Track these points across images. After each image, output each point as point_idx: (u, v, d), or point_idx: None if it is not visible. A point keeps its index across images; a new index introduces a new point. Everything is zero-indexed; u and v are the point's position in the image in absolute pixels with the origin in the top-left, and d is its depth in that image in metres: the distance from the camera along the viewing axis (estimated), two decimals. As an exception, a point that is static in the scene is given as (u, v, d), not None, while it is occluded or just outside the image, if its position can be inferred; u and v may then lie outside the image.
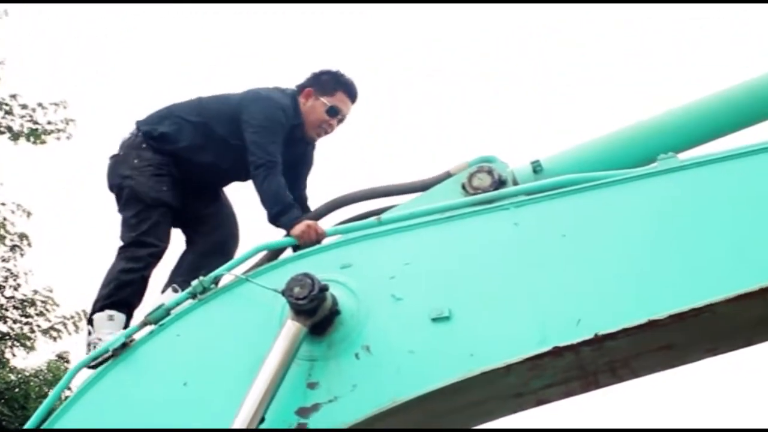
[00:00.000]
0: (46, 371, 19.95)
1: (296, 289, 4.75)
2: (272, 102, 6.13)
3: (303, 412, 4.81)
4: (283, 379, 4.66)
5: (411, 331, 4.87)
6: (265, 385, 4.62)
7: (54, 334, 20.19)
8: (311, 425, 4.78)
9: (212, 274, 5.23)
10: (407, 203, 5.48)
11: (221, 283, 5.30)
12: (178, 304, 5.25)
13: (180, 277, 6.05)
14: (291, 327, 4.77)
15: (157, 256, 5.98)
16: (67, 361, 20.01)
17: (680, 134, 5.58)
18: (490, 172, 5.35)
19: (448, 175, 5.49)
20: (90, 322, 5.80)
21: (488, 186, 5.31)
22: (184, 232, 6.40)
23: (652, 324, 4.59)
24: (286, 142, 6.07)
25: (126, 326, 5.61)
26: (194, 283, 5.21)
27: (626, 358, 4.92)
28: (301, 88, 6.31)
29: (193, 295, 5.20)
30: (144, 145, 6.16)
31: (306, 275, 4.78)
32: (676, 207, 4.91)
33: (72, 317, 20.14)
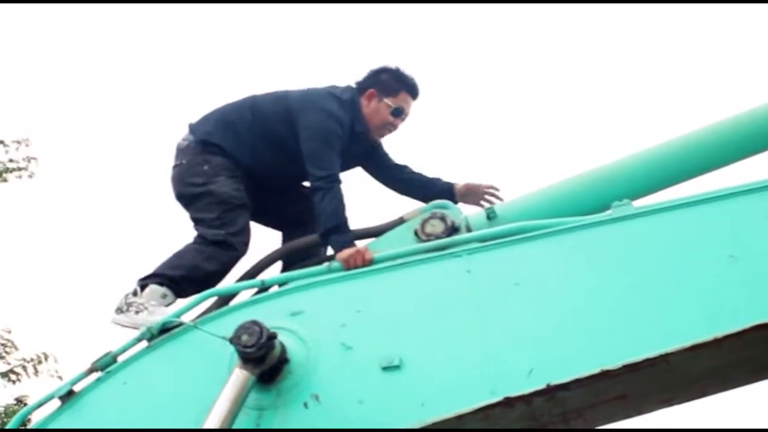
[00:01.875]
0: (3, 415, 19.75)
1: (244, 337, 4.70)
2: (330, 114, 5.98)
3: (251, 462, 4.75)
4: (230, 428, 4.61)
5: (361, 380, 4.85)
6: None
7: (13, 377, 19.99)
8: (261, 482, 4.80)
9: (160, 320, 5.19)
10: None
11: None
12: (125, 350, 5.17)
13: None
14: (239, 375, 4.72)
15: (235, 263, 5.83)
16: (26, 404, 19.79)
17: (635, 181, 5.59)
18: (443, 218, 5.33)
19: (401, 221, 5.48)
20: (143, 286, 5.60)
21: (441, 232, 5.29)
22: (283, 234, 6.33)
23: (605, 374, 4.57)
24: (350, 145, 6.04)
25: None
26: (142, 329, 5.17)
27: (579, 408, 4.90)
28: (361, 88, 6.20)
29: (140, 341, 5.16)
30: (206, 151, 6.02)
31: (254, 323, 4.74)
32: (630, 255, 4.91)
33: (32, 360, 19.93)
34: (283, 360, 4.88)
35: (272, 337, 4.75)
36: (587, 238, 5.01)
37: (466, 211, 5.63)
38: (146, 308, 5.46)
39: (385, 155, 6.49)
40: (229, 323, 4.91)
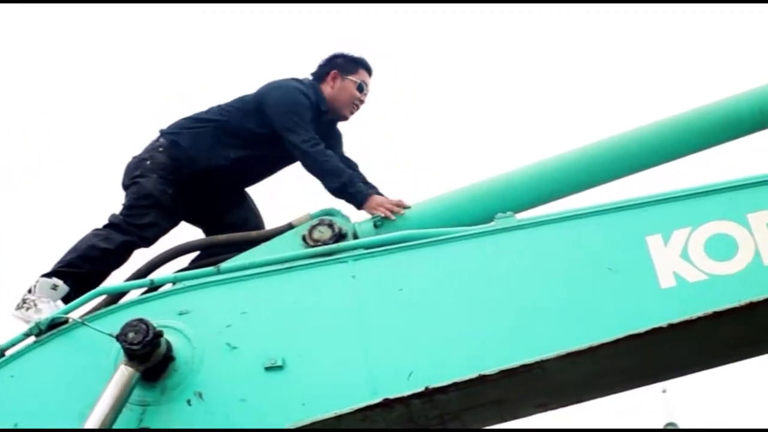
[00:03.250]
0: None
1: (130, 335, 4.74)
2: (292, 88, 6.33)
3: (132, 456, 4.74)
4: (113, 423, 4.64)
5: (244, 380, 4.91)
6: (94, 429, 4.59)
7: None
8: (141, 477, 4.84)
9: (49, 316, 5.21)
10: (247, 253, 5.51)
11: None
12: (13, 344, 5.18)
13: None
14: (123, 372, 4.76)
15: (130, 248, 5.95)
16: None
17: (520, 194, 5.76)
18: (330, 225, 5.43)
19: (289, 227, 5.55)
20: (36, 282, 5.67)
21: (328, 239, 5.39)
22: None
23: (482, 379, 4.69)
24: (317, 129, 6.24)
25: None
26: (30, 325, 5.19)
27: (457, 411, 4.99)
28: (321, 74, 6.56)
29: (28, 336, 5.16)
30: (161, 149, 6.24)
31: (141, 320, 4.79)
32: (511, 265, 5.05)
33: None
34: (168, 358, 4.91)
35: (158, 335, 4.79)
36: (470, 248, 5.12)
37: (354, 219, 5.75)
38: (35, 305, 5.49)
39: (340, 145, 6.70)
40: (116, 321, 4.93)
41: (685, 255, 4.87)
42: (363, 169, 6.48)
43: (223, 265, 5.35)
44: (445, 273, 5.09)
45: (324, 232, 5.43)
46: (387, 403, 4.72)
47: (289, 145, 6.09)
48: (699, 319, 4.68)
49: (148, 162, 6.18)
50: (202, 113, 6.42)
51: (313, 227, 5.47)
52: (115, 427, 4.67)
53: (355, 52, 6.66)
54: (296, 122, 6.13)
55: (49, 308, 5.40)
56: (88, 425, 4.59)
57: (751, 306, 4.70)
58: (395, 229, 5.54)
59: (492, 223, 5.22)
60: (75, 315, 5.22)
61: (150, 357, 4.83)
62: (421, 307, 4.98)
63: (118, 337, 4.76)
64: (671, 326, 4.69)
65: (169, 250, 5.73)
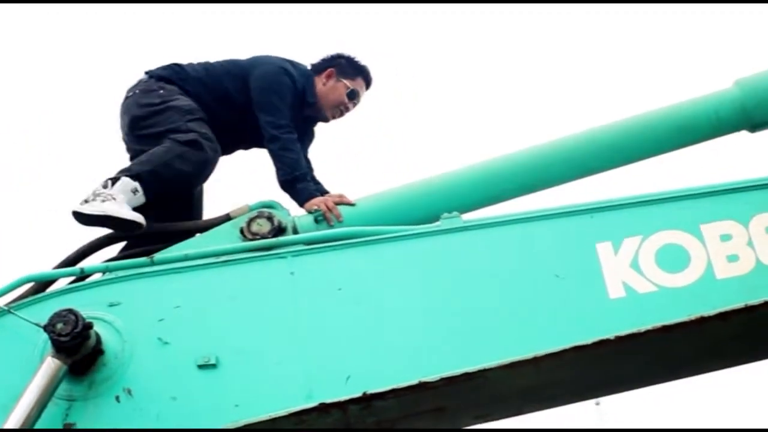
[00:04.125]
0: None
1: (59, 325, 4.63)
2: (283, 69, 6.15)
3: (56, 455, 4.68)
4: (38, 418, 4.54)
5: (175, 377, 4.82)
6: (18, 424, 4.49)
7: None
8: (65, 475, 4.73)
9: None
10: (183, 244, 5.41)
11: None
12: None
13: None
14: (50, 364, 4.65)
15: (205, 169, 5.79)
16: None
17: (467, 194, 5.66)
18: (270, 218, 5.33)
19: (227, 218, 5.45)
20: (114, 180, 5.44)
21: (267, 232, 5.28)
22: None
23: (423, 386, 4.63)
24: (294, 118, 6.09)
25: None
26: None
27: (395, 418, 4.95)
28: (319, 68, 6.36)
29: None
30: (162, 82, 6.06)
31: (70, 311, 4.67)
32: (456, 268, 4.97)
33: None
34: (97, 351, 4.81)
35: (88, 326, 4.69)
36: (413, 248, 5.05)
37: (295, 213, 5.68)
38: (114, 198, 5.29)
39: (309, 145, 6.54)
40: (44, 310, 4.83)
41: (635, 265, 4.83)
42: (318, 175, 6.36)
43: (157, 255, 5.24)
44: (386, 273, 5.02)
45: (263, 225, 5.33)
46: (323, 408, 4.66)
47: (261, 122, 5.96)
48: (647, 332, 4.63)
49: (161, 91, 6.01)
50: (191, 66, 6.27)
51: (252, 220, 5.36)
52: (40, 422, 4.58)
53: (361, 59, 6.47)
54: (274, 103, 6.02)
55: (128, 207, 5.29)
56: (11, 419, 4.51)
57: (702, 320, 4.65)
58: (337, 225, 5.49)
59: (437, 223, 5.15)
60: (0, 302, 5.08)
61: (78, 349, 4.71)
62: (361, 308, 4.91)
63: (45, 328, 4.65)
64: (618, 339, 4.63)
65: (100, 238, 5.56)
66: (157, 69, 6.19)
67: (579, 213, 5.04)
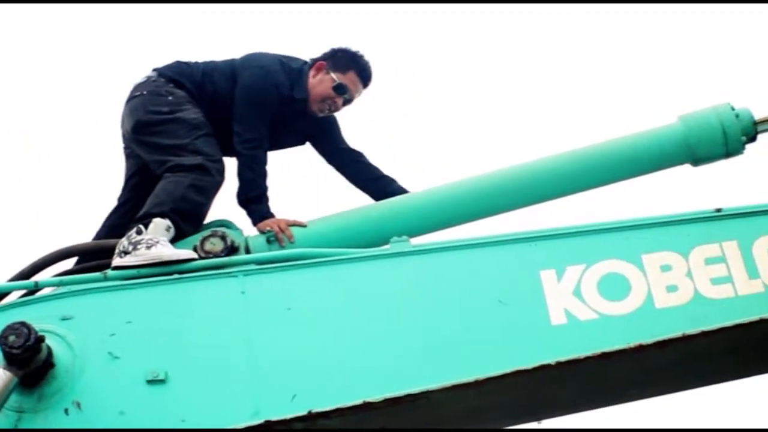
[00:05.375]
0: None
1: (11, 338, 4.67)
2: (267, 73, 6.11)
3: (5, 469, 4.78)
4: None
5: (124, 391, 4.85)
6: None
7: None
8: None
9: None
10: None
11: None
12: None
13: None
14: (1, 376, 4.71)
15: (216, 192, 5.77)
16: None
17: (417, 218, 5.82)
18: (223, 237, 5.42)
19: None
20: (146, 223, 5.44)
21: (220, 251, 5.38)
22: None
23: (366, 406, 4.70)
24: (295, 115, 6.17)
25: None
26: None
27: None
28: (314, 61, 6.28)
29: None
30: (172, 85, 6.05)
31: (23, 324, 4.71)
32: (402, 291, 5.06)
33: None
34: (48, 364, 4.85)
35: (40, 339, 4.73)
36: (361, 270, 5.14)
37: (248, 233, 5.78)
38: (157, 242, 5.31)
39: (338, 135, 6.50)
40: None
41: (577, 292, 4.94)
42: (371, 158, 6.44)
43: (110, 271, 5.30)
44: (335, 294, 5.10)
45: (216, 244, 5.43)
46: (268, 425, 4.74)
47: (235, 130, 5.97)
48: (587, 358, 4.73)
49: (170, 98, 6.01)
50: (192, 64, 6.32)
51: (206, 238, 5.46)
52: None
53: (361, 55, 6.36)
54: (247, 115, 5.99)
55: (173, 249, 5.30)
56: None
57: (640, 348, 4.76)
58: (289, 246, 5.60)
59: (386, 247, 5.24)
60: None
61: (30, 362, 4.74)
62: (309, 328, 4.99)
63: None
64: (559, 364, 4.74)
65: (55, 252, 5.61)
66: (166, 68, 6.18)
67: (525, 240, 5.15)
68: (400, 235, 5.23)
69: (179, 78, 6.12)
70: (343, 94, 6.21)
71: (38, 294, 5.35)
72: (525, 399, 5.22)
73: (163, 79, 6.10)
